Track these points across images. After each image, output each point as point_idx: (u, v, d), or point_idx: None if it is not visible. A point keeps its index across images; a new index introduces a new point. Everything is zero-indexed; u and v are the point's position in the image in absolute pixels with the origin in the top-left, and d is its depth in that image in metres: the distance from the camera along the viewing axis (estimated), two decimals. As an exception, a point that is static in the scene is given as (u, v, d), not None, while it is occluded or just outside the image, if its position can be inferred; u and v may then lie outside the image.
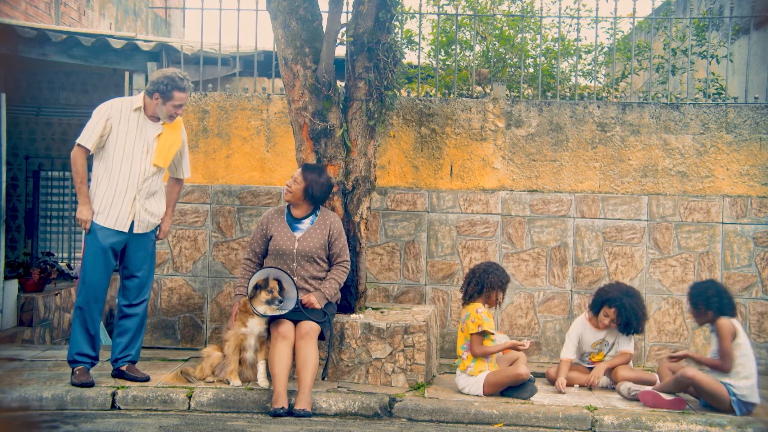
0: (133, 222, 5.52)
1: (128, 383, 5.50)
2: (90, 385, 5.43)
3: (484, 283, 5.68)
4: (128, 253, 5.59)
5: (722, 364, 5.27)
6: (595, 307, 6.01)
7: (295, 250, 5.63)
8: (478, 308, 5.63)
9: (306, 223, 5.71)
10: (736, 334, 5.30)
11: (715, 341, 5.44)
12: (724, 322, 5.31)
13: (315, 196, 5.66)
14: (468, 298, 5.75)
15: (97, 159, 5.53)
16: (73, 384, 5.43)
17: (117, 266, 5.67)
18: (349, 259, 5.81)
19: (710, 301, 5.38)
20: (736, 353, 5.27)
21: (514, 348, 5.65)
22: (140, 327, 5.71)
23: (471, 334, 5.59)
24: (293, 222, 5.71)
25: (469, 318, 5.61)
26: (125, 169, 5.46)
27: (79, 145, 5.45)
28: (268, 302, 5.40)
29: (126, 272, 5.63)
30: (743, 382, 5.27)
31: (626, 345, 6.05)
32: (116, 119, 5.47)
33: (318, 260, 5.68)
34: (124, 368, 5.61)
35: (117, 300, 5.74)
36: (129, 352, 5.65)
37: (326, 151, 5.97)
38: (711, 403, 5.32)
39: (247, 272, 5.73)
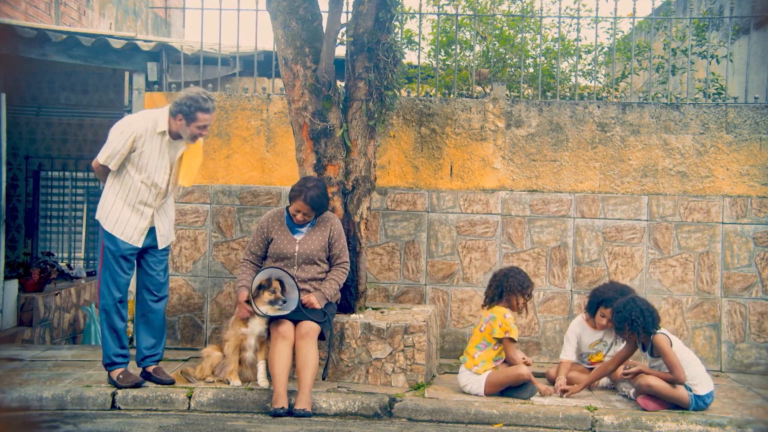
0: (155, 237, 5.54)
1: (128, 383, 5.51)
2: (139, 384, 5.43)
3: (504, 287, 5.68)
4: (145, 256, 5.59)
5: (675, 377, 5.29)
6: (592, 309, 6.00)
7: (296, 254, 5.63)
8: (506, 314, 5.62)
9: (306, 226, 5.71)
10: (672, 343, 5.34)
11: (649, 358, 5.47)
12: (659, 338, 5.32)
13: (323, 208, 5.67)
14: (489, 301, 5.76)
15: (113, 172, 5.48)
16: (122, 387, 5.40)
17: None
18: (348, 260, 5.81)
19: (635, 324, 5.34)
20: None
21: (526, 364, 5.68)
22: (162, 325, 5.68)
23: (503, 339, 5.58)
24: (293, 225, 5.71)
25: (496, 321, 5.59)
26: (147, 189, 5.43)
27: (102, 165, 5.41)
28: (271, 302, 5.40)
29: (144, 269, 5.63)
30: (693, 381, 5.34)
31: (626, 345, 6.05)
32: (141, 140, 5.38)
33: (318, 262, 5.68)
34: (150, 369, 5.61)
35: (140, 297, 5.71)
36: (156, 351, 5.65)
37: (326, 151, 5.97)
38: (674, 403, 5.35)
39: (246, 269, 5.71)
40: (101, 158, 5.40)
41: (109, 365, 5.49)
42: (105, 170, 5.46)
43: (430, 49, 8.78)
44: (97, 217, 5.52)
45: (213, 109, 5.47)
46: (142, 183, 5.42)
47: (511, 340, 5.61)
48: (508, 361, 5.72)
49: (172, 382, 5.54)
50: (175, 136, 5.47)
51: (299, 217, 5.61)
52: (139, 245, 5.49)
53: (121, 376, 5.46)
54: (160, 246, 5.60)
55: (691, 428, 5.11)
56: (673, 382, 5.29)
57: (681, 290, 6.82)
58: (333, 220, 5.78)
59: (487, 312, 5.71)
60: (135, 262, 5.61)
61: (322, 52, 5.91)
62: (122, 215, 5.44)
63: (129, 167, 5.41)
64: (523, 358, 5.78)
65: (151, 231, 5.54)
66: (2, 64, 7.84)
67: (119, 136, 5.37)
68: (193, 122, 5.40)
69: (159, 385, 5.49)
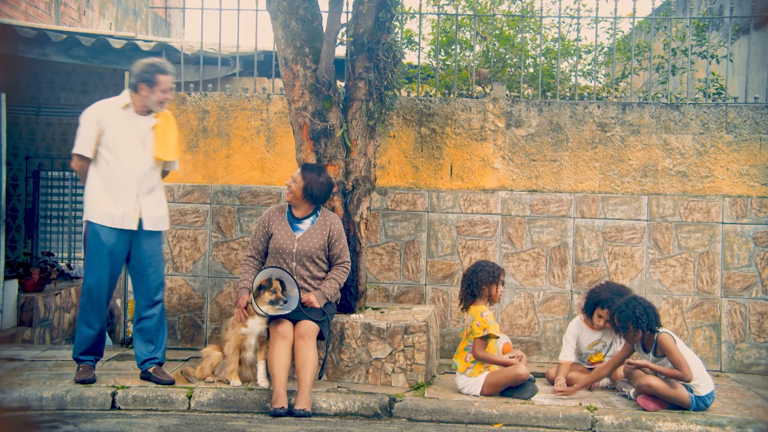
0: (141, 219, 5.50)
1: (128, 383, 5.51)
2: (91, 381, 5.47)
3: (476, 282, 5.64)
4: (134, 253, 5.58)
5: (683, 375, 5.27)
6: (588, 310, 5.99)
7: (294, 250, 5.63)
8: (483, 311, 5.58)
9: (306, 223, 5.71)
10: (676, 341, 5.34)
11: (652, 358, 5.41)
12: (663, 337, 5.31)
13: (315, 195, 5.66)
14: (465, 301, 5.71)
15: (92, 161, 5.51)
16: (76, 381, 5.47)
17: (124, 266, 5.68)
18: (349, 260, 5.81)
19: (640, 321, 5.31)
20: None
21: (509, 365, 5.62)
22: (159, 328, 5.67)
23: (475, 338, 5.55)
24: (294, 221, 5.72)
25: (474, 321, 5.56)
26: (123, 168, 5.43)
27: (77, 155, 5.46)
28: (272, 302, 5.40)
29: (134, 272, 5.63)
30: (694, 381, 5.32)
31: (625, 345, 6.05)
32: (106, 120, 5.45)
33: (317, 260, 5.68)
34: (150, 370, 5.61)
35: (134, 302, 5.73)
36: (155, 355, 5.64)
37: (326, 151, 5.98)
38: (675, 403, 5.34)
39: (249, 268, 5.72)
40: (75, 149, 5.47)
41: (77, 360, 5.63)
42: (83, 165, 5.48)
43: (430, 49, 8.79)
44: (84, 218, 5.52)
45: (172, 72, 5.56)
46: (117, 163, 5.42)
47: (489, 336, 5.55)
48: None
49: (171, 383, 5.54)
50: (142, 110, 5.49)
51: (293, 186, 5.62)
52: (123, 227, 5.44)
53: (80, 369, 5.57)
54: (145, 226, 5.51)
55: (691, 428, 5.10)
56: (681, 379, 5.28)
57: (681, 290, 6.82)
58: (334, 220, 5.78)
59: (467, 315, 5.68)
60: (120, 266, 5.58)
61: (322, 52, 5.91)
62: (102, 199, 5.43)
63: (102, 152, 5.44)
64: (512, 357, 5.74)
65: (139, 227, 5.51)
66: (2, 64, 7.84)
67: (84, 122, 5.47)
68: (156, 86, 5.45)
69: (159, 386, 5.49)
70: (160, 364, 5.67)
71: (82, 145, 5.44)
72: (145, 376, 5.61)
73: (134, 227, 5.47)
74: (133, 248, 5.56)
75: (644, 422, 5.15)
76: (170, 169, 5.82)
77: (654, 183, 6.88)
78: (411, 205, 6.98)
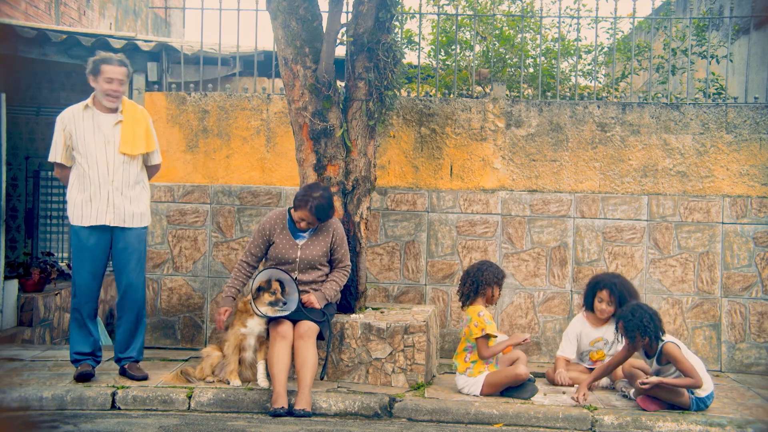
0: (115, 216, 5.53)
1: (128, 383, 5.52)
2: (90, 375, 5.51)
3: (480, 281, 5.63)
4: (113, 250, 5.62)
5: (695, 383, 5.24)
6: (588, 298, 5.99)
7: (297, 258, 5.62)
8: (480, 311, 5.58)
9: (308, 230, 5.69)
10: (681, 349, 5.32)
11: (655, 365, 5.38)
12: (670, 347, 5.27)
13: (328, 217, 5.64)
14: (466, 299, 5.70)
15: (72, 167, 5.60)
16: (75, 377, 5.51)
17: (107, 265, 5.72)
18: (350, 263, 5.81)
19: (647, 330, 5.27)
20: None
21: (516, 344, 5.62)
22: (134, 327, 5.67)
23: (476, 339, 5.56)
24: (295, 229, 5.69)
25: (472, 322, 5.56)
26: (93, 167, 5.48)
27: (53, 163, 5.58)
28: (271, 304, 5.40)
29: (114, 268, 5.68)
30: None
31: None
32: (71, 125, 5.50)
33: (320, 267, 5.68)
34: (126, 366, 5.65)
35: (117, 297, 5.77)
36: (130, 354, 5.68)
37: (326, 151, 5.97)
38: (675, 404, 5.33)
39: (241, 275, 5.72)
40: (50, 158, 5.57)
41: (74, 362, 5.66)
42: (60, 172, 5.61)
43: (430, 49, 8.79)
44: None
45: (119, 63, 5.52)
46: (88, 165, 5.48)
47: (488, 336, 5.53)
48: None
49: (144, 378, 5.59)
50: (108, 109, 5.52)
51: (303, 225, 5.61)
52: (97, 223, 5.48)
53: (78, 367, 5.61)
54: (118, 223, 5.53)
55: (691, 428, 5.11)
56: (693, 386, 5.24)
57: (681, 290, 6.82)
58: (335, 225, 5.75)
59: (465, 314, 5.67)
60: (102, 263, 5.61)
61: (322, 52, 5.91)
62: (79, 200, 5.50)
63: (77, 156, 5.51)
64: (516, 344, 5.71)
65: (117, 229, 5.55)
66: (2, 64, 7.84)
67: (55, 131, 5.56)
68: (99, 76, 5.48)
69: (158, 386, 5.49)
70: (137, 361, 5.71)
71: (53, 153, 5.56)
72: (122, 372, 5.66)
73: (107, 223, 5.51)
74: (112, 245, 5.61)
75: (644, 422, 5.15)
76: (151, 162, 5.75)
77: (654, 183, 6.88)
78: (411, 205, 6.98)
